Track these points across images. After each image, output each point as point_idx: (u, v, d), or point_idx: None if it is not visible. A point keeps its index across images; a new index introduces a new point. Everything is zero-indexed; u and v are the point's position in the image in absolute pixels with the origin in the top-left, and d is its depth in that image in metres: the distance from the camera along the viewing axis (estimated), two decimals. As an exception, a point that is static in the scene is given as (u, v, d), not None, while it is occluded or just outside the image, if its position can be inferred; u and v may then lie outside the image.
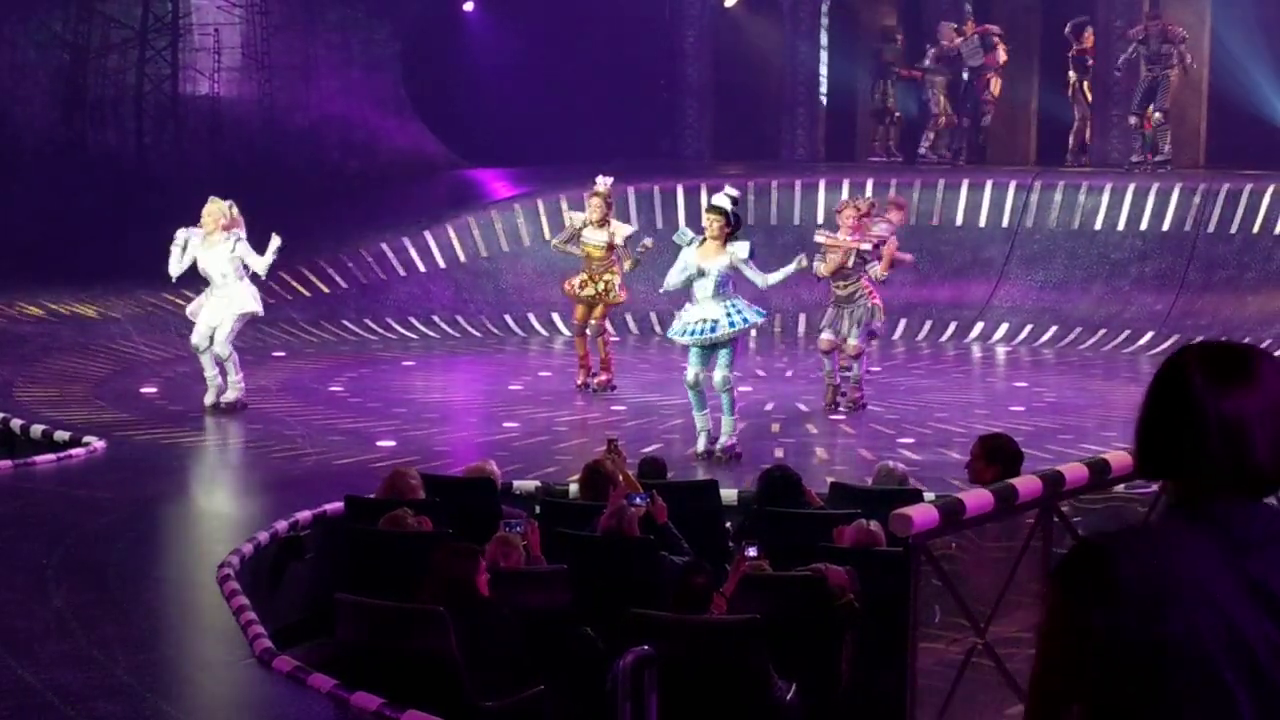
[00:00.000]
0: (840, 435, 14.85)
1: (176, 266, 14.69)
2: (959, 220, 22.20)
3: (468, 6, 26.65)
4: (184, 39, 24.50)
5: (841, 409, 15.56)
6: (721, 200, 13.50)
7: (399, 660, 7.24)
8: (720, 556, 9.84)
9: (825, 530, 9.16)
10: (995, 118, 24.64)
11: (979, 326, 20.95)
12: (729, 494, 11.33)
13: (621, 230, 16.33)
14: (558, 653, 7.86)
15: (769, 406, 16.03)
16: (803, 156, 25.79)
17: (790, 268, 13.74)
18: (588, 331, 16.43)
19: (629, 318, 20.11)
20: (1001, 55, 24.12)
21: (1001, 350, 20.41)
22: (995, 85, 24.34)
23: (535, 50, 25.34)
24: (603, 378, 16.38)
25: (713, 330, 13.22)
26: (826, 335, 15.61)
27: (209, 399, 14.83)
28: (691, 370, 13.48)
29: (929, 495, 10.21)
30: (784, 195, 22.36)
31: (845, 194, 16.33)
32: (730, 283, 13.33)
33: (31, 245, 21.28)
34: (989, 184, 22.39)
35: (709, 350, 13.41)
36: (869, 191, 21.11)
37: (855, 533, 8.77)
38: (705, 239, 13.33)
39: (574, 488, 11.01)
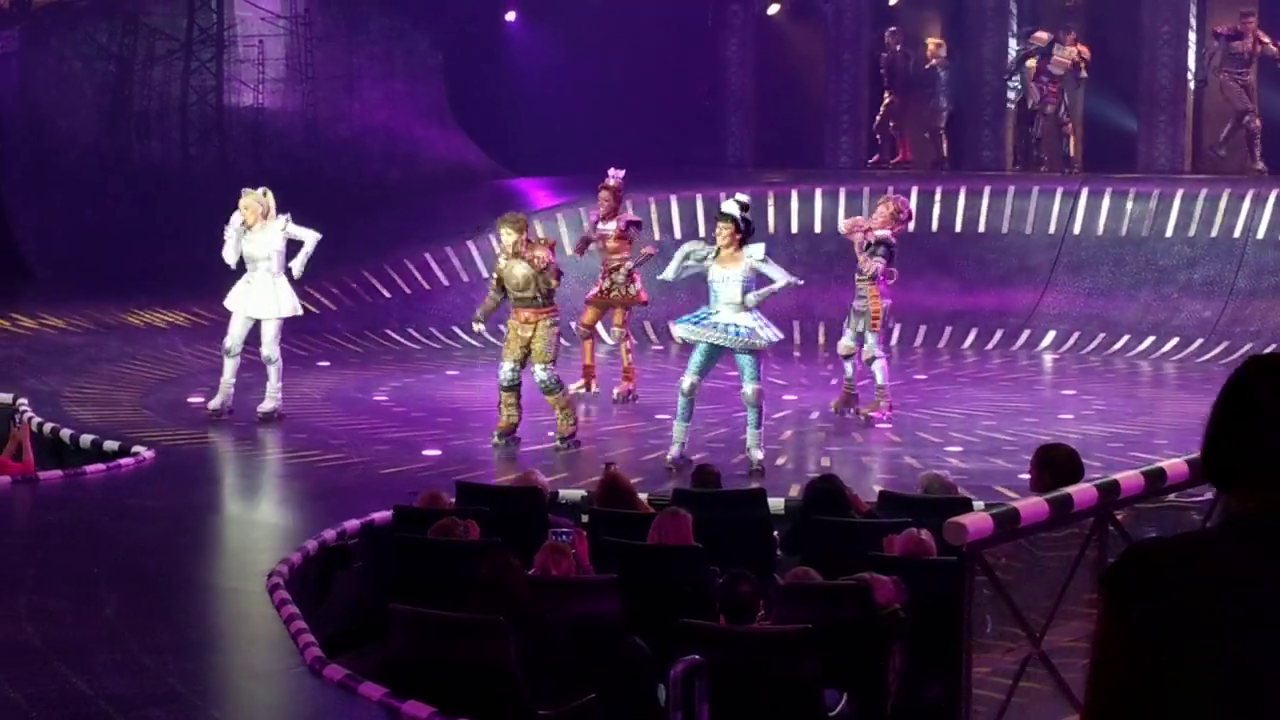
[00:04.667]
0: (887, 444, 14.79)
1: (232, 253, 14.68)
2: (1005, 227, 22.13)
3: (510, 16, 26.69)
4: (228, 51, 24.59)
5: (848, 414, 15.46)
6: (730, 207, 13.47)
7: (453, 669, 7.23)
8: (769, 567, 9.83)
9: (873, 539, 9.12)
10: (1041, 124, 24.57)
11: (1025, 334, 20.86)
12: (776, 503, 11.30)
13: (625, 216, 16.52)
14: (608, 661, 7.84)
15: (814, 415, 15.99)
16: (846, 164, 25.73)
17: (791, 279, 13.58)
18: (614, 336, 16.45)
19: (648, 325, 20.05)
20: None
21: (1048, 358, 20.32)
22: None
23: (577, 59, 25.36)
24: (625, 386, 16.33)
25: (749, 336, 13.14)
26: (845, 340, 15.57)
27: (215, 404, 14.81)
28: (690, 379, 13.35)
29: (978, 504, 10.17)
30: (828, 203, 22.31)
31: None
32: (750, 288, 13.24)
33: (78, 256, 21.39)
34: (1035, 190, 22.31)
35: (713, 361, 13.31)
36: (914, 199, 21.09)
37: (905, 542, 8.74)
38: (719, 249, 13.25)
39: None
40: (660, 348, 19.64)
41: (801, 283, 13.93)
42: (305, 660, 7.98)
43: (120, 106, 23.91)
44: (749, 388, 13.20)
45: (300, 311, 15.18)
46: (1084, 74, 23.96)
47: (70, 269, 21.14)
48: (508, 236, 14.01)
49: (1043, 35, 24.23)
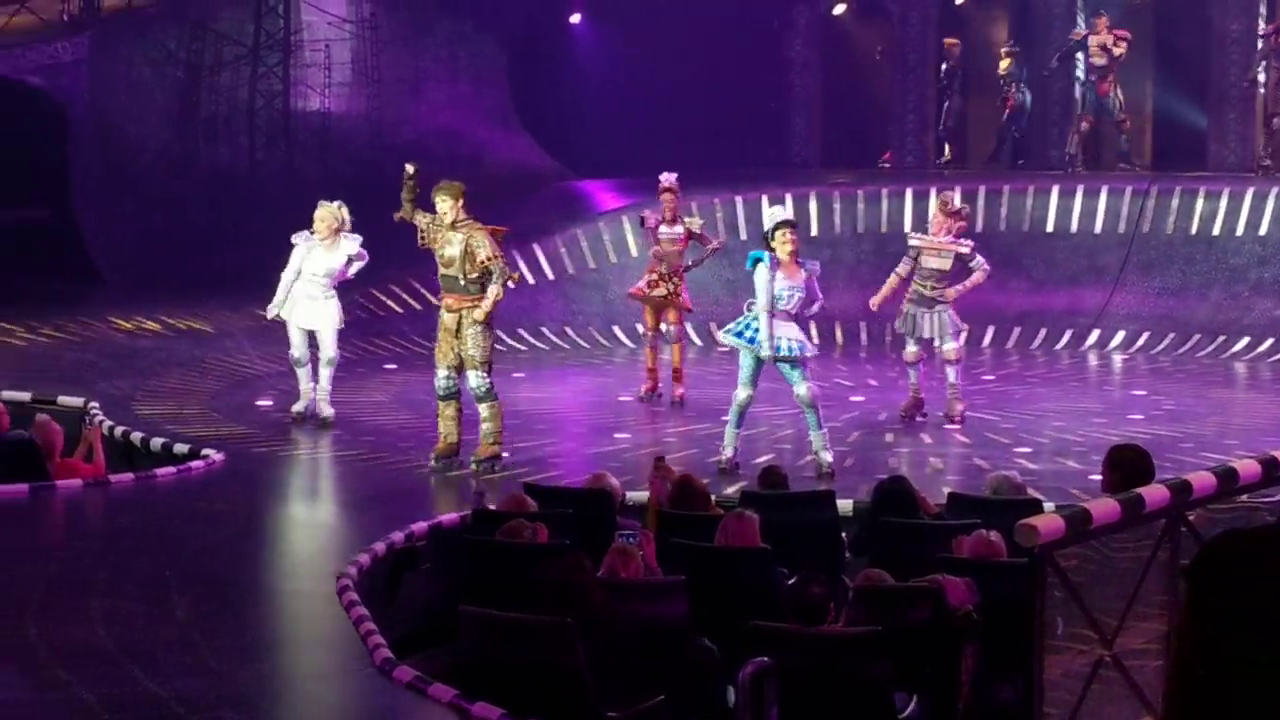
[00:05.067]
0: (955, 445, 14.73)
1: (291, 274, 14.75)
2: (1074, 226, 22.00)
3: (575, 19, 26.72)
4: (295, 55, 24.71)
5: (917, 419, 15.40)
6: (788, 213, 13.50)
7: (522, 671, 7.24)
8: (837, 569, 9.80)
9: (942, 541, 9.09)
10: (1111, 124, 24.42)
11: (1095, 334, 20.74)
12: (844, 505, 11.27)
13: (694, 222, 16.46)
14: (676, 663, 7.83)
15: (882, 416, 15.94)
16: (912, 164, 25.64)
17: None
18: (664, 338, 16.41)
19: (689, 327, 20.01)
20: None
21: (1118, 358, 20.19)
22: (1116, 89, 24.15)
23: (642, 61, 25.36)
24: (679, 390, 16.31)
25: (801, 350, 13.08)
26: (912, 347, 15.49)
27: (298, 407, 14.93)
28: (744, 391, 13.29)
29: (1048, 505, 10.11)
30: (894, 203, 22.24)
31: (958, 201, 16.12)
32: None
33: (147, 261, 21.53)
34: (1104, 189, 22.17)
35: (760, 370, 13.23)
36: (981, 200, 21.04)
37: (975, 543, 8.69)
38: (783, 259, 13.14)
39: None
40: (726, 349, 19.58)
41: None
42: (375, 662, 8.01)
43: (188, 112, 24.06)
44: (801, 389, 13.13)
45: (341, 324, 15.20)
46: (1120, 56, 23.66)
47: (139, 273, 21.28)
48: (442, 204, 12.83)
49: (1080, 31, 24.10)
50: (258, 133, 24.41)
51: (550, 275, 21.68)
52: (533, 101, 26.17)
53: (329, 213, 14.77)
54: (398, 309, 20.48)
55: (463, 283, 12.71)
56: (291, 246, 14.85)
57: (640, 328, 17.24)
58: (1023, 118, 24.93)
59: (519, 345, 20.24)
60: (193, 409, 15.55)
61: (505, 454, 13.13)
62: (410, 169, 12.95)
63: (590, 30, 26.58)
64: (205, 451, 13.29)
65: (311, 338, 14.96)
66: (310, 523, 12.34)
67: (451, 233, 12.67)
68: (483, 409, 12.86)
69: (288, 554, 11.22)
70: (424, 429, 14.95)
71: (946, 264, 15.35)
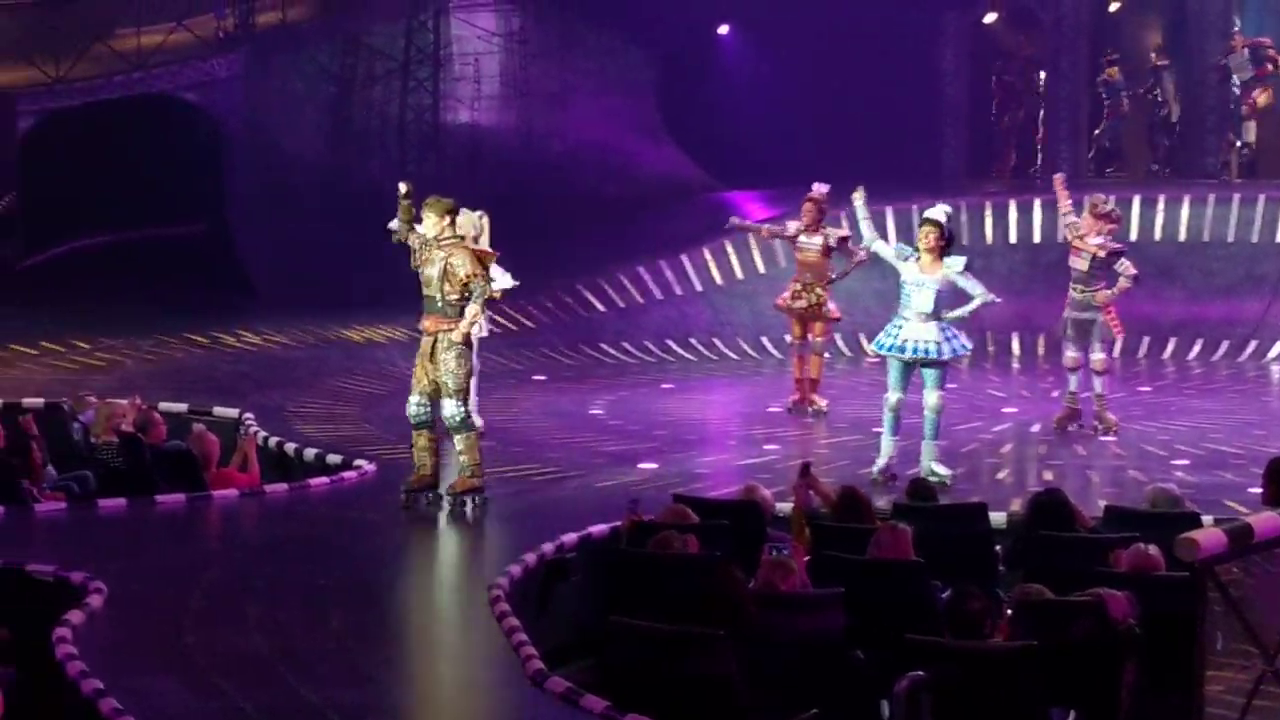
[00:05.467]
0: (1110, 457, 14.51)
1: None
2: (1230, 236, 21.62)
3: (723, 30, 26.69)
4: (445, 69, 24.92)
5: (1085, 429, 15.19)
6: (936, 212, 13.26)
7: (675, 683, 7.21)
8: (991, 582, 9.67)
9: (1099, 555, 8.94)
10: (1267, 131, 24.01)
11: (1253, 344, 20.35)
12: (998, 518, 11.13)
13: (835, 233, 16.29)
14: (830, 676, 7.76)
15: (1035, 428, 15.74)
16: (1067, 172, 25.27)
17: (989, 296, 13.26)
18: (814, 349, 16.29)
19: (838, 338, 19.87)
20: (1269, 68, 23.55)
21: (1276, 369, 19.80)
22: (1264, 98, 23.76)
23: (790, 71, 25.27)
24: (816, 402, 16.19)
25: (928, 352, 12.94)
26: (1071, 353, 15.28)
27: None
28: (894, 395, 13.18)
29: (1207, 519, 9.94)
30: (1047, 213, 21.96)
31: (1110, 203, 15.88)
32: (945, 300, 13.03)
33: (301, 273, 21.78)
34: (1261, 199, 21.76)
35: (909, 373, 13.12)
36: (1135, 209, 20.76)
37: (1133, 557, 8.54)
38: (921, 254, 13.06)
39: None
40: (878, 360, 19.40)
41: (999, 300, 13.47)
42: (527, 673, 8.03)
43: (340, 126, 24.34)
44: (931, 396, 13.01)
45: (484, 333, 15.21)
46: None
47: (293, 286, 21.53)
48: (427, 220, 12.02)
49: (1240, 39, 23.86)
50: (408, 146, 24.64)
51: (698, 286, 21.68)
52: (681, 113, 26.18)
53: (467, 221, 14.81)
54: (546, 320, 20.55)
55: (440, 303, 11.85)
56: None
57: (788, 338, 17.16)
58: (1120, 124, 24.74)
59: (667, 356, 20.24)
60: (345, 419, 15.69)
61: (485, 490, 12.09)
62: (404, 188, 12.20)
63: (738, 41, 26.54)
64: (358, 462, 13.40)
65: None
66: (461, 533, 12.37)
67: (435, 251, 11.85)
68: (458, 440, 11.96)
69: (439, 564, 11.28)
70: (574, 441, 15.00)
71: (1084, 265, 15.13)
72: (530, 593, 10.10)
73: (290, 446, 14.03)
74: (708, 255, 21.93)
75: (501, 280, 14.71)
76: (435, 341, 11.89)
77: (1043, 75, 25.88)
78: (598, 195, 25.12)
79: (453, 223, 11.98)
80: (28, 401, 15.06)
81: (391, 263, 20.95)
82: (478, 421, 14.84)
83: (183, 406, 15.28)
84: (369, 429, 15.28)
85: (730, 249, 21.92)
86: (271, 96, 23.78)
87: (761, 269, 21.59)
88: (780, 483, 12.74)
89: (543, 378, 18.61)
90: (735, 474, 13.24)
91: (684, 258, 21.84)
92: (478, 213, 14.87)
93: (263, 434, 14.36)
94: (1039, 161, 25.62)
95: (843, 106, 24.82)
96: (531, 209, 22.35)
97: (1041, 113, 25.83)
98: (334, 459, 13.59)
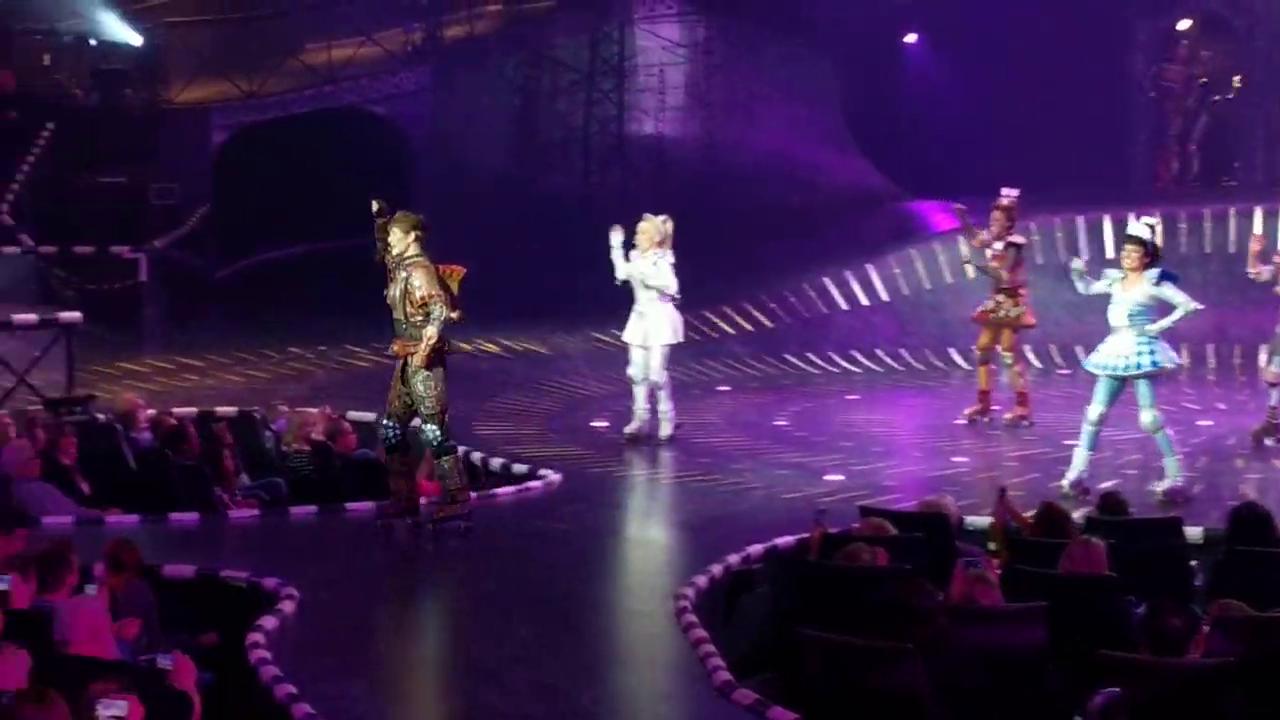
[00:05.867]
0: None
1: (622, 269, 14.76)
2: None
3: (909, 38, 26.48)
4: (629, 80, 24.99)
5: (1268, 443, 14.81)
6: (1139, 229, 13.00)
7: (863, 696, 7.13)
8: (1186, 598, 9.45)
9: (1303, 570, 8.71)
10: None
11: None
12: (1193, 532, 10.88)
13: (1013, 239, 16.04)
14: (1023, 691, 7.62)
15: (1230, 441, 15.39)
16: (1261, 181, 24.75)
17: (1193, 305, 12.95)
18: (1003, 361, 16.02)
19: (1053, 349, 19.55)
20: None
21: None
22: None
23: (978, 79, 24.97)
24: (1018, 412, 15.94)
25: (1127, 368, 12.69)
26: (1273, 367, 14.92)
27: (631, 428, 14.97)
28: (1096, 408, 12.93)
29: None
30: (1241, 223, 21.49)
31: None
32: (1149, 314, 12.76)
33: (486, 284, 21.92)
34: None
35: (1118, 390, 12.86)
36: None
37: (1337, 573, 8.30)
38: (1126, 273, 12.82)
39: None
40: (1067, 372, 19.12)
41: (1201, 308, 13.18)
42: (714, 683, 7.99)
43: (525, 138, 24.51)
44: (1145, 416, 12.76)
45: (681, 339, 15.17)
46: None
47: (477, 296, 21.65)
48: (392, 236, 11.28)
49: None
50: (592, 158, 24.74)
51: (885, 296, 21.51)
52: (867, 122, 25.99)
53: (653, 226, 14.81)
54: (730, 330, 20.51)
55: (404, 325, 11.24)
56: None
57: (974, 349, 16.95)
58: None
59: (852, 367, 20.08)
60: (530, 429, 15.76)
61: (469, 516, 11.39)
62: (376, 206, 11.46)
63: (926, 49, 26.31)
64: (543, 472, 13.46)
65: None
66: (647, 543, 12.38)
67: (399, 270, 11.20)
68: (440, 464, 11.42)
69: (625, 574, 11.27)
70: (759, 452, 14.92)
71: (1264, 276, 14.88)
72: (717, 603, 10.05)
73: (476, 456, 14.11)
74: (894, 265, 21.75)
75: (666, 280, 14.67)
76: (404, 365, 11.30)
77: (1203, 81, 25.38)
78: (782, 205, 25.02)
79: (418, 239, 11.23)
80: (221, 410, 15.32)
81: (576, 274, 21.17)
82: (667, 429, 14.87)
83: (371, 416, 15.41)
84: (554, 439, 15.33)
85: (917, 259, 21.72)
86: (457, 109, 24.01)
87: (949, 279, 21.35)
88: (969, 495, 12.59)
89: (727, 388, 18.55)
90: (922, 486, 13.08)
91: (870, 267, 21.68)
92: (661, 217, 14.86)
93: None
94: (1194, 169, 25.08)
95: (1031, 114, 24.48)
96: (715, 220, 22.30)
97: (1203, 120, 25.28)
98: (519, 469, 13.65)
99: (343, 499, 12.49)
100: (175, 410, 14.78)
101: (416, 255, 11.21)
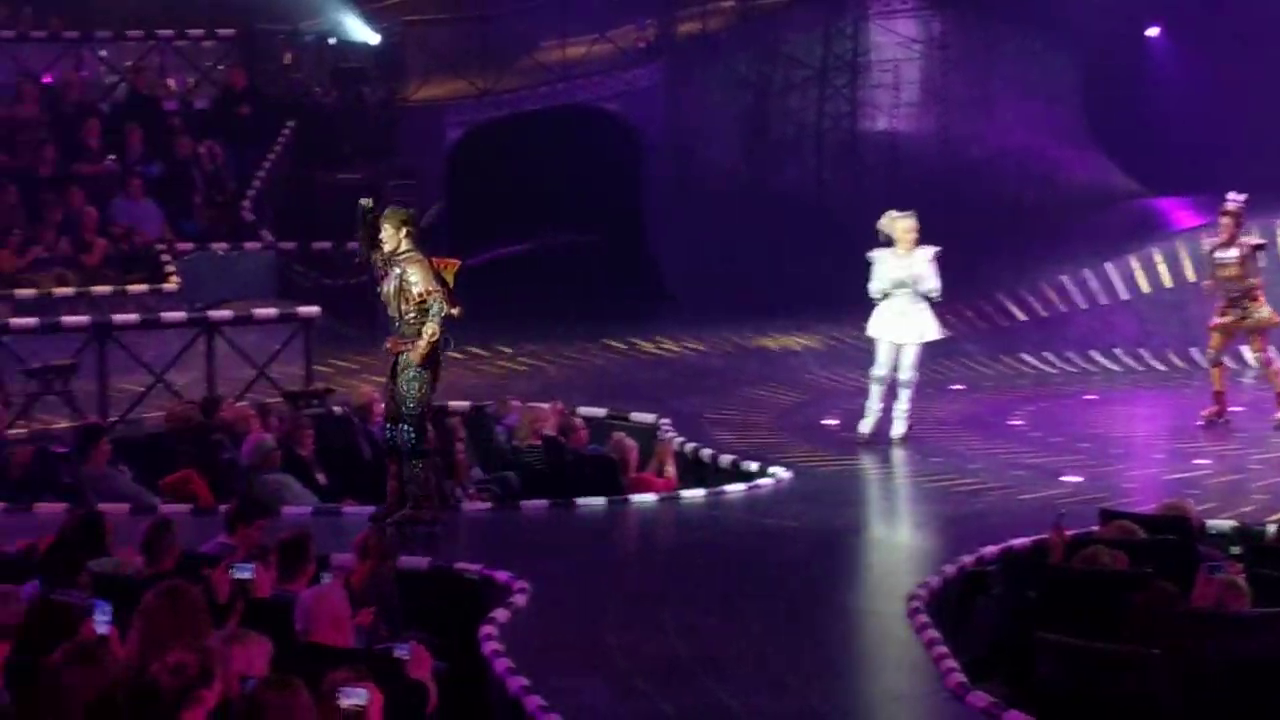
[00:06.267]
0: None
1: (882, 283, 14.57)
2: None
3: (1152, 32, 25.91)
4: (863, 76, 24.81)
5: None
6: None
7: (1102, 702, 6.96)
8: None
9: None
10: None
11: None
12: None
13: (1248, 240, 15.57)
14: (1274, 701, 7.37)
15: None
16: None
17: None
18: (1256, 363, 15.57)
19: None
20: None
21: None
22: None
23: (1223, 73, 24.34)
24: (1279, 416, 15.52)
25: None
26: None
27: (866, 428, 14.77)
28: None
29: None
30: None
31: None
32: None
33: (717, 281, 21.94)
34: None
35: None
36: None
37: None
38: None
39: (1271, 528, 10.60)
40: None
41: None
42: (947, 685, 7.87)
43: (757, 134, 24.45)
44: None
45: (940, 335, 14.98)
46: None
47: (709, 293, 21.71)
48: (384, 233, 11.04)
49: None
50: (825, 154, 24.61)
51: (1124, 295, 21.09)
52: (1107, 118, 25.47)
53: (913, 224, 14.62)
54: (965, 329, 20.24)
55: (398, 323, 11.03)
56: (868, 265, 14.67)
57: (1246, 350, 16.57)
58: None
59: (1090, 367, 19.73)
60: (760, 427, 15.70)
61: (434, 522, 11.10)
62: (365, 203, 11.26)
63: (1169, 43, 25.72)
64: (773, 470, 13.37)
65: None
66: (878, 542, 12.25)
67: (393, 267, 10.97)
68: (411, 466, 11.07)
69: (857, 573, 11.15)
70: (994, 452, 14.70)
71: None
72: (950, 604, 9.91)
73: (706, 453, 14.10)
74: (1134, 263, 21.32)
75: (935, 279, 14.48)
76: (396, 363, 11.06)
77: None
78: (1019, 202, 24.67)
79: (409, 235, 10.98)
80: (454, 405, 15.47)
81: (807, 271, 21.08)
82: (901, 428, 14.68)
83: (602, 412, 15.51)
84: (784, 437, 15.25)
85: (1159, 257, 21.26)
86: (690, 105, 24.04)
87: (1191, 277, 20.84)
88: (1211, 499, 12.26)
89: (961, 387, 18.31)
90: (1163, 489, 12.75)
91: (1109, 266, 21.29)
92: (908, 212, 14.67)
93: (679, 440, 14.46)
94: None
95: (1277, 108, 23.80)
96: (950, 217, 21.99)
97: None
98: (749, 466, 13.58)
99: (574, 494, 12.55)
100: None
101: (409, 250, 11.01)
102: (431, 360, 11.07)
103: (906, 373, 14.62)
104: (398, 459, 11.15)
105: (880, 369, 14.71)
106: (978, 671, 8.66)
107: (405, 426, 10.98)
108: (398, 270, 10.95)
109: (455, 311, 11.00)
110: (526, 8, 24.28)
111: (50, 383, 14.80)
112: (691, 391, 17.11)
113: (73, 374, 15.00)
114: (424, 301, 10.86)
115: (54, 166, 19.36)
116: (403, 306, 10.96)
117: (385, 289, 11.08)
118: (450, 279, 11.13)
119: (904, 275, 14.51)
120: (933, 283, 14.51)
